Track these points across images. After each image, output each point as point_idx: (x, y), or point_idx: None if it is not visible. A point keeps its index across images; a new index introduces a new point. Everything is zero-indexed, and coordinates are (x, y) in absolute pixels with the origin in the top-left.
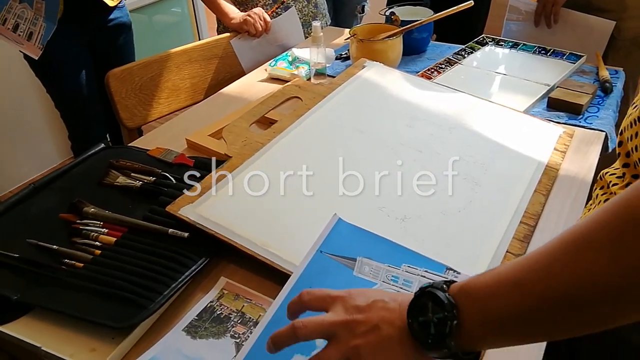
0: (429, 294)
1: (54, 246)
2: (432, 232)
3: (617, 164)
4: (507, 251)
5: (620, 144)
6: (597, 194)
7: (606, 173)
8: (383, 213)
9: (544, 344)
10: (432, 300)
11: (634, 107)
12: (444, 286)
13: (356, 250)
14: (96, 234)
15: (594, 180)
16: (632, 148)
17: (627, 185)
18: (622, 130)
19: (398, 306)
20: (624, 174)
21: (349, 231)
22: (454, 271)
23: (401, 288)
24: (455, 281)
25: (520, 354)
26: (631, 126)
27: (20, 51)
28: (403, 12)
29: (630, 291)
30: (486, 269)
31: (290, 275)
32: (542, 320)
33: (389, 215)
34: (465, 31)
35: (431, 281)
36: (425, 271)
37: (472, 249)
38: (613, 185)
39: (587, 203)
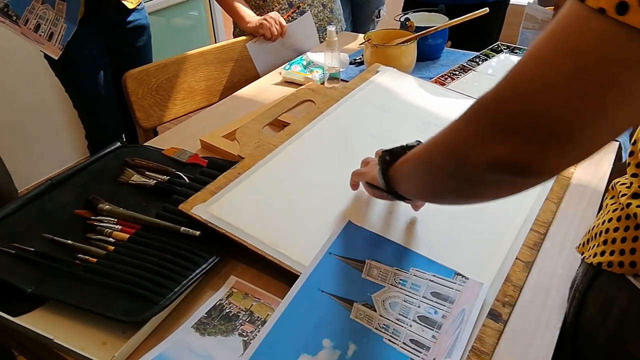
0: (410, 145)
1: (69, 241)
2: (442, 236)
3: (627, 174)
4: (516, 258)
5: (631, 153)
6: (607, 204)
7: (617, 182)
8: (393, 217)
9: (552, 348)
10: (407, 144)
11: None
12: (417, 142)
13: (365, 253)
14: (110, 230)
15: (606, 190)
16: None
17: (633, 195)
18: (635, 141)
19: None
20: (632, 183)
21: (358, 234)
22: (462, 276)
23: (409, 292)
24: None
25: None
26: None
27: (41, 51)
28: (418, 18)
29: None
30: (495, 275)
31: (299, 276)
32: (413, 174)
33: (398, 219)
34: (481, 38)
35: (440, 285)
36: (434, 275)
37: (481, 254)
38: (622, 195)
39: (598, 213)
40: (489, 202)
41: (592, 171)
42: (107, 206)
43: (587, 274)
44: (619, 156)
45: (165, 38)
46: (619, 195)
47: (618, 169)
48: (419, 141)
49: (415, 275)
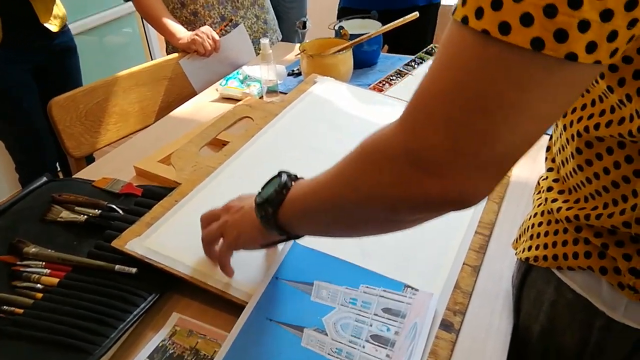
0: (280, 175)
1: None
2: (389, 249)
3: (545, 168)
4: (464, 263)
5: (548, 149)
6: (534, 199)
7: (541, 178)
8: None
9: (505, 353)
10: (279, 182)
11: None
12: (295, 176)
13: (313, 274)
14: (38, 276)
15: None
16: (556, 152)
17: (548, 188)
18: (550, 136)
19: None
20: (547, 177)
21: (304, 254)
22: (412, 288)
23: (360, 310)
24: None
25: None
26: (554, 131)
27: None
28: (351, 26)
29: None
30: (444, 283)
31: (246, 306)
32: (315, 216)
33: None
34: (416, 41)
35: (390, 300)
36: (384, 290)
37: (430, 263)
38: (544, 190)
39: None
40: None
41: (530, 168)
42: (33, 249)
43: (520, 269)
44: None
45: (98, 58)
46: (542, 191)
47: None
48: (284, 172)
49: (365, 292)
